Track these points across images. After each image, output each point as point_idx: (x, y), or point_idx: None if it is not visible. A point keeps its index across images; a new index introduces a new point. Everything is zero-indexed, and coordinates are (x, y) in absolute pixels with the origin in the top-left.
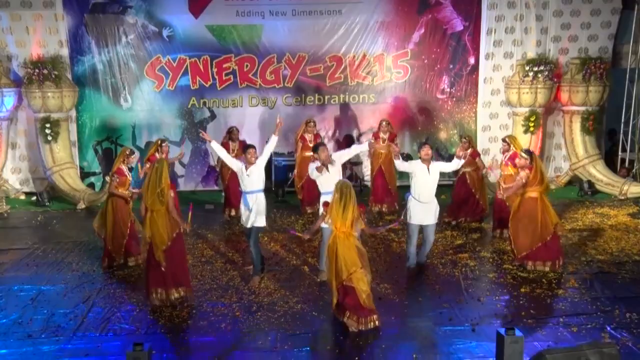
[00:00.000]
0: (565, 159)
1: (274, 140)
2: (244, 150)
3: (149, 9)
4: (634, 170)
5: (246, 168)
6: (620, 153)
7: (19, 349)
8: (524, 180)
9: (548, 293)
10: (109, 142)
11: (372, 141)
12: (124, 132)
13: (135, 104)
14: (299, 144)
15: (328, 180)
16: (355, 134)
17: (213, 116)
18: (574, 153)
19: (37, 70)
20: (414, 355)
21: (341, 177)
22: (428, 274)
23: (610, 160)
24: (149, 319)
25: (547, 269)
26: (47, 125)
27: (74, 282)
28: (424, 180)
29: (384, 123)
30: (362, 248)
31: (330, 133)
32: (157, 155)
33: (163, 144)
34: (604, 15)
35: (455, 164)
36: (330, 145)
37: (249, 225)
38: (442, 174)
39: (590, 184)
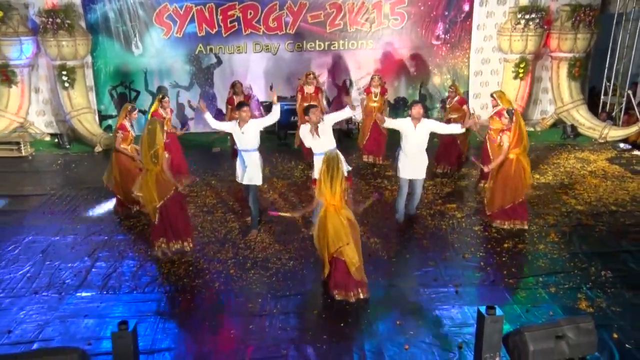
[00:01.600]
0: (551, 102)
1: (276, 109)
2: (238, 108)
3: None
4: (613, 114)
5: (240, 126)
6: (602, 97)
7: (25, 305)
8: (506, 146)
9: (529, 249)
10: (123, 87)
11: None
12: (137, 78)
13: (146, 50)
14: (298, 96)
15: (321, 144)
16: (352, 78)
17: (219, 62)
18: (560, 98)
19: (50, 20)
20: (398, 322)
21: (332, 139)
22: (417, 226)
23: (592, 103)
24: (148, 276)
25: (515, 226)
26: (64, 72)
27: (83, 233)
28: (412, 137)
29: (375, 78)
30: (354, 221)
31: (330, 78)
32: (160, 110)
33: (164, 99)
34: None
35: (453, 128)
36: (330, 90)
37: (245, 183)
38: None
39: (573, 128)
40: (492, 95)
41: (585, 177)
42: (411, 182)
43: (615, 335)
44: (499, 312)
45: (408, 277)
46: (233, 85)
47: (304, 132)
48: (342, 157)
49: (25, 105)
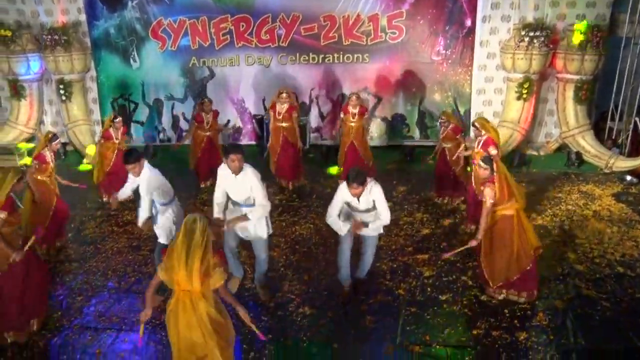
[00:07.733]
0: (556, 125)
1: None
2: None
3: None
4: (619, 141)
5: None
6: (608, 122)
7: None
8: (489, 204)
9: (506, 338)
10: (122, 99)
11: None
12: (135, 90)
13: (143, 63)
14: (271, 114)
15: (236, 191)
16: (346, 93)
17: (212, 74)
18: (565, 122)
19: (49, 37)
20: None
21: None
22: (367, 288)
23: (600, 128)
24: None
25: (521, 299)
26: (61, 86)
27: None
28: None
29: (353, 97)
30: (219, 317)
31: (323, 92)
32: (111, 131)
33: (116, 120)
34: None
35: (384, 220)
36: (325, 105)
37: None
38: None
39: (578, 155)
40: (473, 125)
41: (588, 219)
42: (362, 239)
43: None
44: None
45: None
46: (202, 103)
47: (221, 171)
48: (206, 227)
49: (34, 117)
